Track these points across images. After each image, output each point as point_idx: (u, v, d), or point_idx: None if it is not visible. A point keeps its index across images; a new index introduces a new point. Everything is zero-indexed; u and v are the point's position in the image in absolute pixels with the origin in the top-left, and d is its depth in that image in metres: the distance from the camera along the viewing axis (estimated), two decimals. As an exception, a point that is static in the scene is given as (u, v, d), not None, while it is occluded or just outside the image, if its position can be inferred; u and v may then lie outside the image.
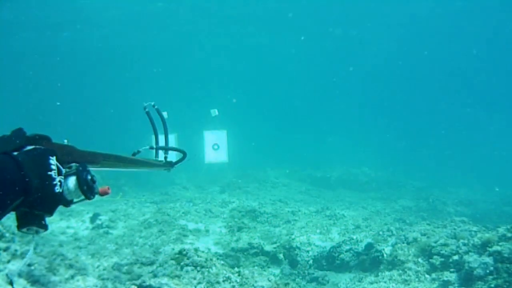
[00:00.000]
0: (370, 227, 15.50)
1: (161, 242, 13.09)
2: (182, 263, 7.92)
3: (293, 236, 14.02)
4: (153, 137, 4.65)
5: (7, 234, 6.93)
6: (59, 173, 2.11)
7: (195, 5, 38.53)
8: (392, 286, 10.21)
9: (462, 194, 25.21)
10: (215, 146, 15.79)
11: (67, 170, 2.30)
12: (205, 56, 50.47)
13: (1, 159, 1.86)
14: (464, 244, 10.26)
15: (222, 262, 9.41)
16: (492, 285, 8.85)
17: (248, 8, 40.27)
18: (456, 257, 10.08)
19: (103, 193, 2.52)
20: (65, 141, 2.56)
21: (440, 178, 30.02)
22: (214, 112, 15.66)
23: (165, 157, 4.57)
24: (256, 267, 12.26)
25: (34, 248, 7.04)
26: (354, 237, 13.59)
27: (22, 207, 2.00)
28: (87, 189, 2.33)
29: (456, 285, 9.54)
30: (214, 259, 8.52)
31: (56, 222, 14.75)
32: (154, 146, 4.52)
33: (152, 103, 4.80)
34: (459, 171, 32.42)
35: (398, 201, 22.58)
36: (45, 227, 2.22)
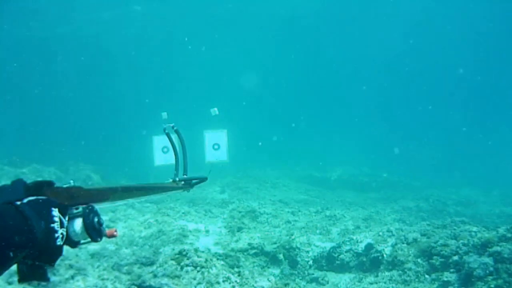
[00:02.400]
0: (370, 228, 15.47)
1: (161, 243, 13.03)
2: (182, 263, 7.93)
3: (293, 237, 13.94)
4: (174, 156, 4.55)
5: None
6: (61, 225, 2.11)
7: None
8: (392, 287, 10.22)
9: (462, 194, 25.24)
10: (215, 146, 15.90)
11: (74, 211, 2.32)
12: (206, 54, 50.58)
13: (5, 209, 1.82)
14: (464, 245, 10.27)
15: (222, 262, 9.42)
16: (492, 286, 8.86)
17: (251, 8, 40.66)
18: (456, 258, 10.08)
19: (110, 236, 2.53)
20: (71, 182, 2.59)
21: (440, 179, 30.02)
22: (214, 111, 15.74)
23: (184, 176, 4.32)
24: (256, 267, 12.28)
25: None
26: (354, 237, 13.57)
27: (24, 259, 1.98)
28: (94, 232, 2.34)
29: (456, 285, 9.54)
30: (214, 259, 8.52)
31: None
32: (175, 172, 4.41)
33: (172, 124, 4.75)
34: (459, 172, 32.38)
35: (398, 201, 22.58)
36: (47, 280, 2.22)
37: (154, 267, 8.12)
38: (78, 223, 2.30)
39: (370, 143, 45.76)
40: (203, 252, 9.36)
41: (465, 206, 22.14)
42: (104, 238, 2.39)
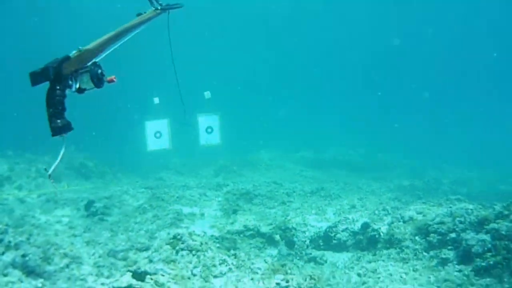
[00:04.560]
0: (366, 207, 15.41)
1: (156, 227, 12.93)
2: (177, 248, 7.81)
3: (288, 217, 13.92)
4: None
5: (0, 226, 6.79)
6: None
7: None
8: (391, 265, 10.14)
9: (457, 173, 25.24)
10: (208, 129, 15.85)
11: (85, 68, 4.01)
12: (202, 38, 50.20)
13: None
14: (461, 222, 10.18)
15: (218, 245, 9.35)
16: (491, 262, 8.79)
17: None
18: (453, 235, 9.99)
19: (110, 81, 4.22)
20: (80, 48, 4.10)
21: (435, 157, 29.93)
22: (208, 94, 15.74)
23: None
24: (253, 249, 12.19)
25: (28, 239, 6.89)
26: (350, 216, 13.51)
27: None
28: (97, 80, 4.03)
29: (454, 262, 9.47)
30: (210, 242, 8.41)
31: (51, 211, 14.62)
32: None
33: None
34: (454, 151, 32.30)
35: (393, 180, 22.58)
36: (72, 128, 4.19)
37: (150, 252, 7.99)
38: (86, 76, 3.94)
39: (364, 123, 45.63)
40: (198, 235, 9.25)
41: (460, 185, 22.11)
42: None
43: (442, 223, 10.48)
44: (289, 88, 58.40)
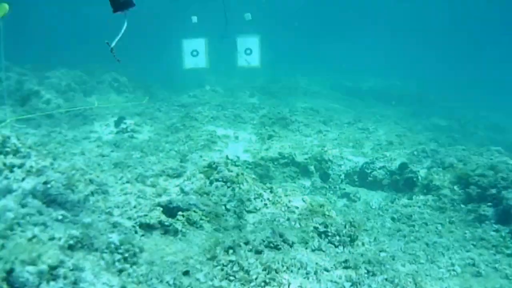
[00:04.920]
0: (404, 145, 14.96)
1: (188, 149, 12.65)
2: (211, 178, 7.57)
3: (325, 148, 13.46)
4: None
5: (22, 149, 6.51)
6: None
7: None
8: (427, 213, 9.89)
9: (494, 118, 24.40)
10: (247, 51, 15.53)
11: None
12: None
13: None
14: (503, 179, 9.78)
15: (253, 175, 9.06)
16: (533, 227, 8.50)
17: None
18: (494, 191, 9.63)
19: None
20: None
21: (473, 100, 28.92)
22: (248, 16, 15.32)
23: None
24: (286, 178, 12.00)
25: (51, 164, 6.63)
26: (388, 154, 13.11)
27: None
28: None
29: (492, 221, 9.17)
30: (245, 173, 8.13)
31: (79, 126, 14.43)
32: None
33: None
34: (493, 95, 31.15)
35: (429, 118, 21.89)
36: (134, 4, 4.53)
37: (181, 180, 7.76)
38: None
39: (404, 56, 44.32)
40: (234, 164, 9.03)
41: (495, 132, 21.44)
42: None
43: (483, 175, 10.09)
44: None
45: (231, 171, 7.69)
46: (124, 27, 4.61)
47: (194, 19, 15.26)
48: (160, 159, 11.21)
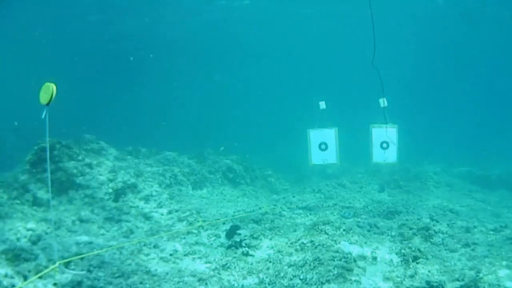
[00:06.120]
0: None
1: (317, 277, 10.40)
2: None
3: (480, 274, 11.04)
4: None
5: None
6: None
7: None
8: None
9: None
10: (383, 144, 14.33)
11: None
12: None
13: None
14: None
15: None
16: None
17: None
18: None
19: None
20: None
21: None
22: (322, 104, 13.97)
23: None
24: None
25: None
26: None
27: None
28: None
29: None
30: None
31: (180, 238, 13.17)
32: None
33: None
34: None
35: None
36: None
37: None
38: None
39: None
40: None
41: None
42: None
43: None
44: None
45: None
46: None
47: (322, 104, 14.12)
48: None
